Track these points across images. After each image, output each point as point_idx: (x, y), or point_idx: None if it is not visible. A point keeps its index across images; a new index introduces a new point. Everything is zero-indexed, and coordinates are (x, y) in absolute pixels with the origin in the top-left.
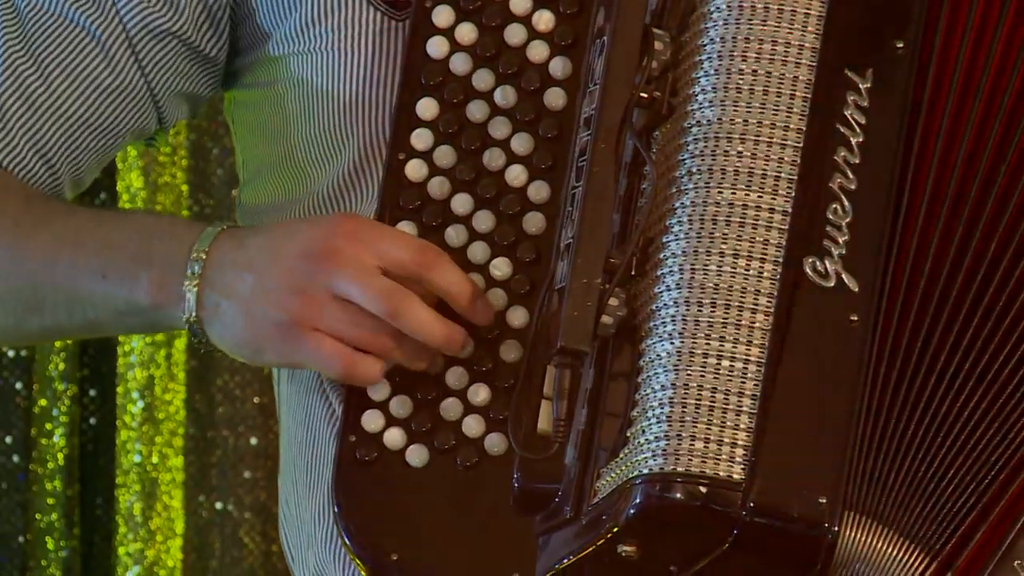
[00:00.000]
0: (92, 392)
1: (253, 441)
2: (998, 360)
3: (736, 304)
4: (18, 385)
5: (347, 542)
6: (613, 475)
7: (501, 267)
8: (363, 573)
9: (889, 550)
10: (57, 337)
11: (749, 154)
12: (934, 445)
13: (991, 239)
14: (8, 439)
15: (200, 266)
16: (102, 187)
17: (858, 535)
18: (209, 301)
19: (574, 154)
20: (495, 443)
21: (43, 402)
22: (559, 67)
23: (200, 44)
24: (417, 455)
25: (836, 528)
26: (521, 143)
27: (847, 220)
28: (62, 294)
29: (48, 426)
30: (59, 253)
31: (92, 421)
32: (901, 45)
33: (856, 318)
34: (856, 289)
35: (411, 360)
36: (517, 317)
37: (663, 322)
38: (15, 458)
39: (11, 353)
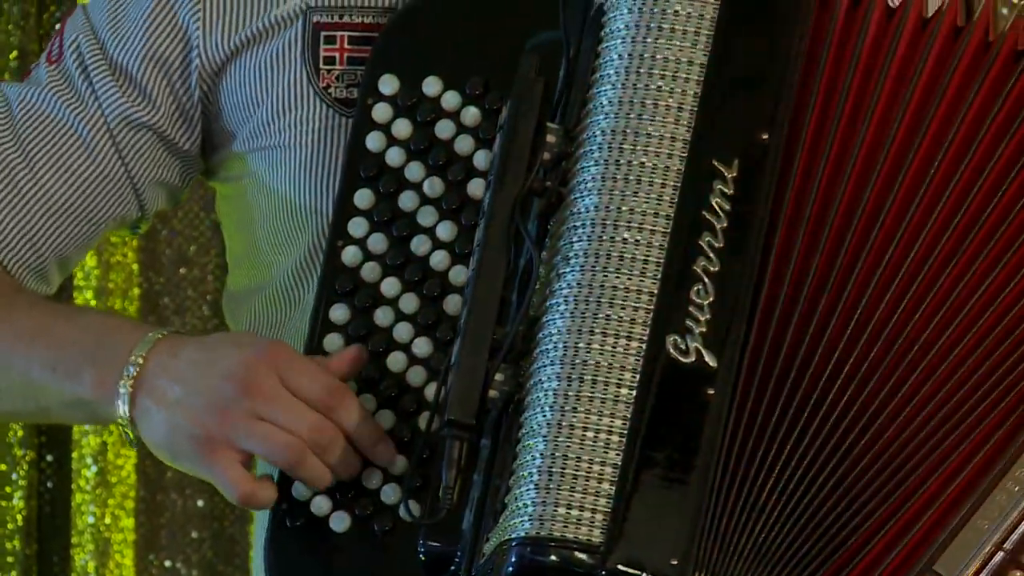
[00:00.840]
0: (49, 457)
1: (200, 503)
2: (848, 440)
3: (603, 379)
4: None
5: None
6: (495, 538)
7: (422, 346)
8: None
9: None
10: (14, 419)
11: (621, 239)
12: (784, 513)
13: (847, 326)
14: None
15: (136, 369)
16: None
17: None
18: (141, 403)
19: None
20: (408, 510)
21: (3, 467)
22: (482, 159)
23: (175, 138)
24: (339, 521)
25: None
26: (445, 231)
27: (708, 300)
28: (18, 382)
29: (8, 489)
30: (16, 345)
31: (49, 484)
32: (766, 136)
33: (712, 392)
34: (714, 365)
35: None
36: (433, 393)
37: (540, 395)
38: None
39: None
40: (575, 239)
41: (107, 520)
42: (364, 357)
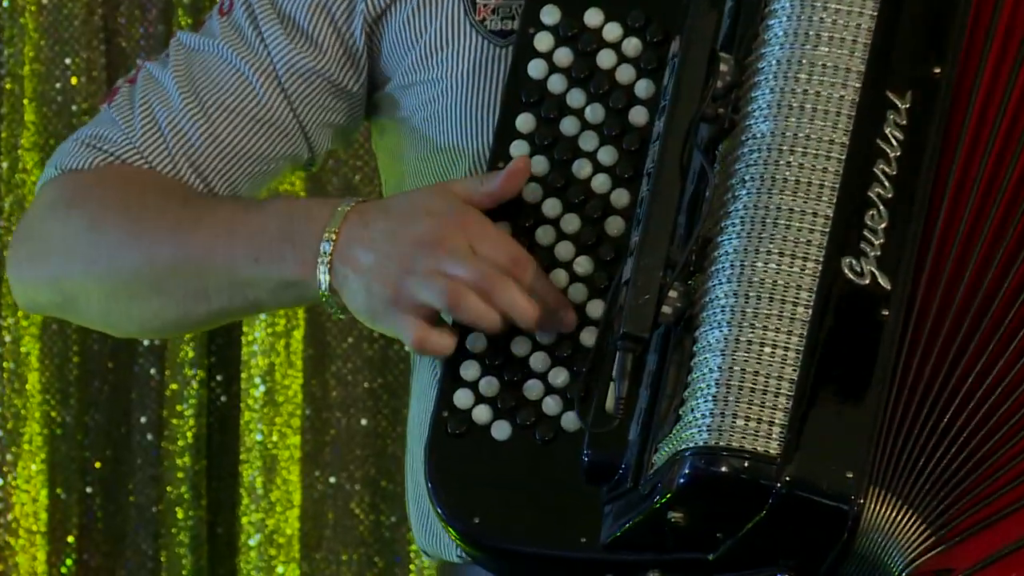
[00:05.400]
0: (219, 377)
1: (363, 422)
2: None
3: (779, 298)
4: (152, 371)
5: (436, 508)
6: (666, 449)
7: (583, 264)
8: (451, 535)
9: (903, 523)
10: (220, 321)
11: (797, 164)
12: (961, 436)
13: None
14: (143, 419)
15: (331, 245)
16: None
17: (880, 508)
18: (339, 274)
19: (654, 138)
20: (571, 420)
21: (174, 386)
22: (643, 88)
23: (342, 82)
24: (501, 430)
25: (862, 501)
26: (606, 155)
27: (883, 225)
28: (224, 280)
29: (179, 407)
30: (216, 245)
31: (218, 403)
32: (938, 70)
33: (887, 313)
34: (888, 287)
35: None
36: (595, 309)
37: (715, 312)
38: (149, 436)
39: (145, 342)
40: (750, 163)
41: (274, 438)
42: (527, 168)
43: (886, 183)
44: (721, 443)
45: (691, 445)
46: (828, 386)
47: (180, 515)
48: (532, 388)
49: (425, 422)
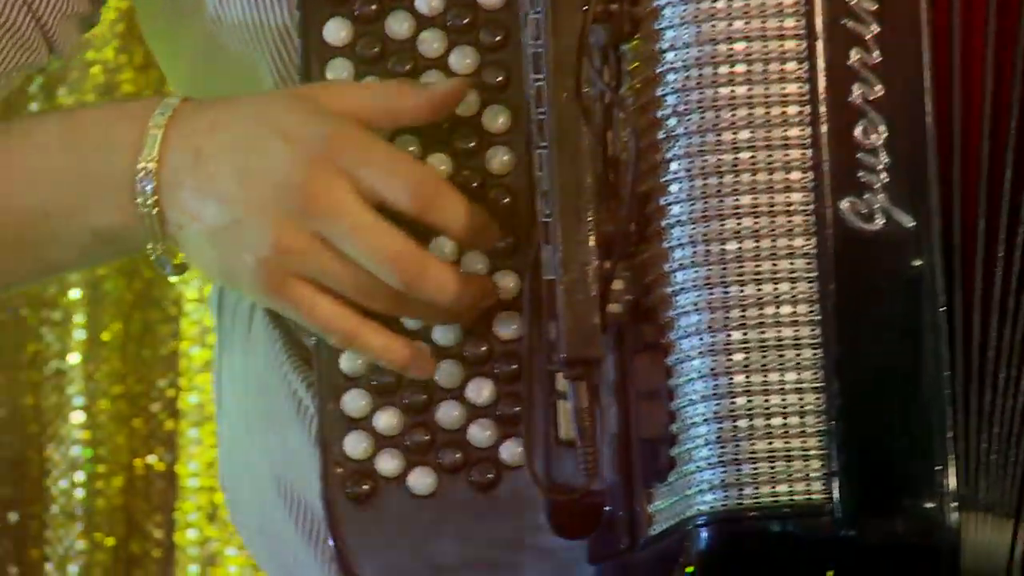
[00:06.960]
0: None
1: None
2: None
3: (768, 275)
4: None
5: None
6: (667, 503)
7: None
8: None
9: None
10: (26, 283)
11: (743, 79)
12: None
13: None
14: None
15: (152, 184)
16: None
17: (982, 535)
18: (172, 221)
19: (528, 66)
20: (513, 450)
21: None
22: None
23: None
24: (422, 480)
25: (956, 529)
26: (462, 58)
27: (883, 139)
28: (10, 240)
29: None
30: None
31: None
32: None
33: (920, 262)
34: (911, 225)
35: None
36: (506, 283)
37: (685, 311)
38: None
39: None
40: (679, 87)
41: None
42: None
43: (870, 77)
44: (744, 501)
45: (702, 508)
46: (867, 385)
47: None
48: (448, 413)
49: (263, 412)
